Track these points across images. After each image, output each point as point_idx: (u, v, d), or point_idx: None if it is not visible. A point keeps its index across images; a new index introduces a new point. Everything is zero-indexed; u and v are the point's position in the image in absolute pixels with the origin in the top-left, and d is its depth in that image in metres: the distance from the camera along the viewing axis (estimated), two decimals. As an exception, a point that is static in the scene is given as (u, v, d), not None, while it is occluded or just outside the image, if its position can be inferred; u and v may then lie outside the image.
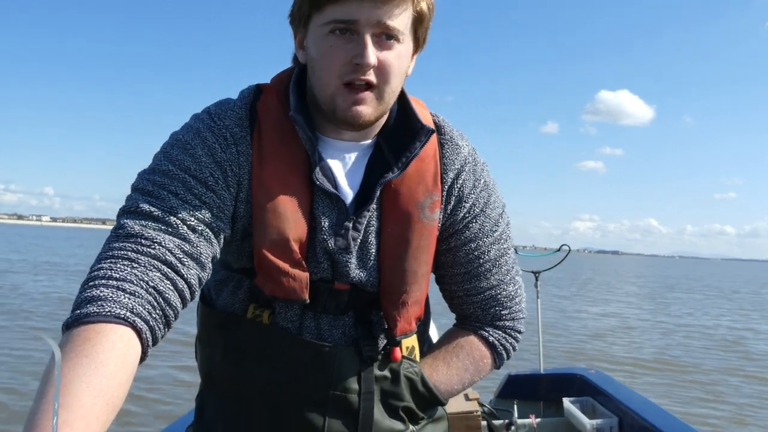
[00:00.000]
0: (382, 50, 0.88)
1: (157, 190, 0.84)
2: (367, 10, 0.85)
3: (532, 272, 3.89)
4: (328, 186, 0.93)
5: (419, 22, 0.92)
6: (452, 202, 1.01)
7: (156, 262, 0.78)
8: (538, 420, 3.14)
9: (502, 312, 1.08)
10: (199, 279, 0.84)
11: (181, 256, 0.81)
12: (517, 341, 1.11)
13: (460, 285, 1.06)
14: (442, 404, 1.08)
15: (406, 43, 0.91)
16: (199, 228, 0.84)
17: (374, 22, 0.86)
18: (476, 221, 1.03)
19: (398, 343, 1.01)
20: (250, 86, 1.00)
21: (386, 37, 0.88)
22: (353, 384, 0.97)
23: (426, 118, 1.00)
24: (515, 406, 3.14)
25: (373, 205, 0.96)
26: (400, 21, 0.88)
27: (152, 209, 0.82)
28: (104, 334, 0.68)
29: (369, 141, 0.98)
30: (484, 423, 2.93)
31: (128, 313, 0.72)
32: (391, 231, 0.97)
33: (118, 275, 0.74)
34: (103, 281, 0.74)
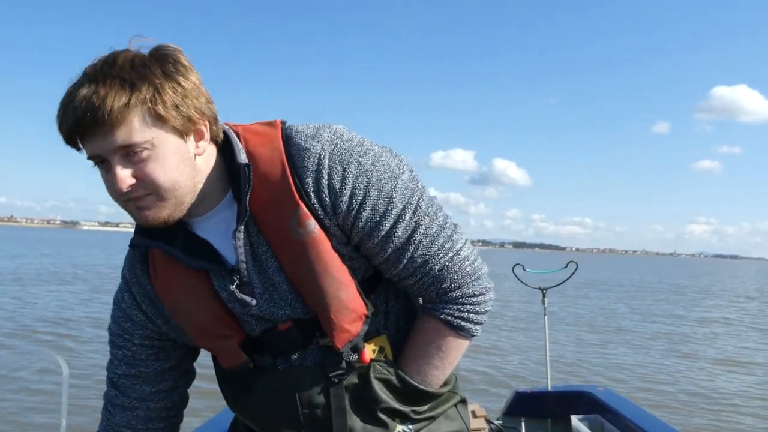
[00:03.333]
0: (136, 164, 0.89)
1: (109, 363, 1.16)
2: (99, 143, 0.88)
3: (540, 289, 3.88)
4: (198, 263, 1.00)
5: (166, 115, 0.89)
6: (329, 202, 0.96)
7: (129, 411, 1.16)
8: (546, 438, 3.12)
9: (443, 286, 1.04)
10: (168, 399, 1.16)
11: (136, 402, 1.15)
12: (477, 305, 1.06)
13: (390, 272, 1.04)
14: (434, 393, 1.08)
15: (161, 144, 0.90)
16: (142, 376, 1.14)
17: (112, 149, 0.88)
18: (364, 208, 0.96)
19: (356, 349, 1.03)
20: None
21: (134, 152, 0.88)
22: (320, 399, 1.04)
23: (259, 144, 0.98)
24: (523, 424, 3.12)
25: (263, 247, 0.99)
26: (136, 134, 0.88)
27: (108, 385, 1.16)
28: None
29: (225, 199, 1.00)
30: (491, 440, 2.91)
31: None
32: (285, 261, 0.99)
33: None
34: None
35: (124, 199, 0.92)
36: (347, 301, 1.01)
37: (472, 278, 1.05)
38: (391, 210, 0.97)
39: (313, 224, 0.96)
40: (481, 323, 1.08)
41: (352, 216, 0.97)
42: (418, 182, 1.01)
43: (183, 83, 0.91)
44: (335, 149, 0.97)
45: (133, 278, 1.09)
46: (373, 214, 0.97)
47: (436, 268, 1.02)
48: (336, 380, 1.03)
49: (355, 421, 1.04)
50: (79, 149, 0.91)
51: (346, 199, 0.96)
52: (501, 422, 3.22)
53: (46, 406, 5.13)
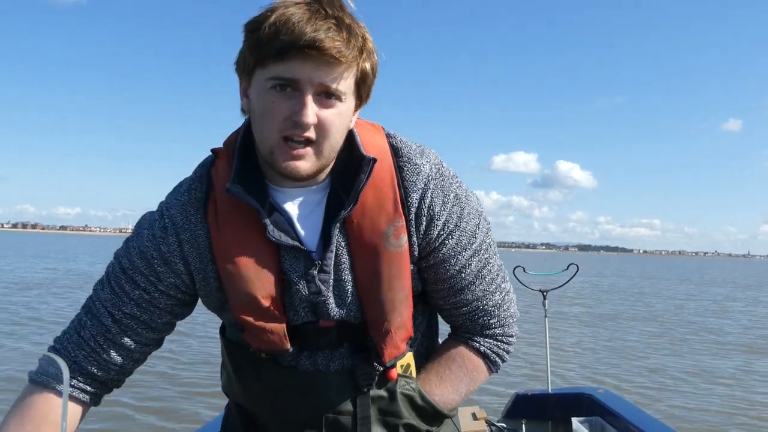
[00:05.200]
0: (323, 108, 0.90)
1: (107, 286, 1.03)
2: (309, 71, 0.87)
3: (540, 291, 3.88)
4: (285, 240, 0.95)
5: (363, 82, 0.94)
6: (424, 223, 1.00)
7: (87, 349, 1.02)
8: (547, 440, 3.12)
9: (491, 321, 1.09)
10: (128, 355, 1.04)
11: (104, 344, 1.02)
12: (510, 345, 1.13)
13: (446, 300, 1.08)
14: (447, 416, 1.10)
15: (347, 102, 0.93)
16: (124, 321, 1.02)
17: (316, 82, 0.88)
18: (452, 237, 1.02)
19: (393, 365, 1.04)
20: (209, 155, 1.05)
21: (327, 95, 0.90)
22: (347, 407, 1.02)
23: (375, 145, 1.00)
24: (523, 426, 3.12)
25: (342, 242, 0.99)
26: (343, 83, 0.90)
27: (98, 306, 1.03)
28: (35, 395, 0.98)
29: (323, 183, 1.00)
30: (492, 443, 2.91)
31: (50, 380, 0.98)
32: (362, 264, 0.99)
33: (56, 354, 1.01)
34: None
35: (290, 133, 0.89)
36: (406, 319, 1.03)
37: (513, 319, 1.13)
38: (472, 244, 1.04)
39: (405, 239, 0.99)
40: (506, 362, 1.15)
41: (439, 242, 1.02)
42: (489, 222, 1.10)
43: (377, 68, 0.96)
44: (439, 174, 1.02)
45: (186, 224, 1.00)
46: (457, 245, 1.03)
47: (490, 303, 1.08)
48: (365, 390, 1.03)
49: (376, 430, 1.03)
50: (265, 58, 0.88)
51: (440, 224, 1.01)
52: (503, 424, 3.22)
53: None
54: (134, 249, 1.02)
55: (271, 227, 0.94)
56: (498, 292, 1.09)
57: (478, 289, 1.06)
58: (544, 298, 3.87)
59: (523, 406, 3.41)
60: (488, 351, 1.10)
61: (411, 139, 1.05)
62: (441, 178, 1.02)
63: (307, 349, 1.03)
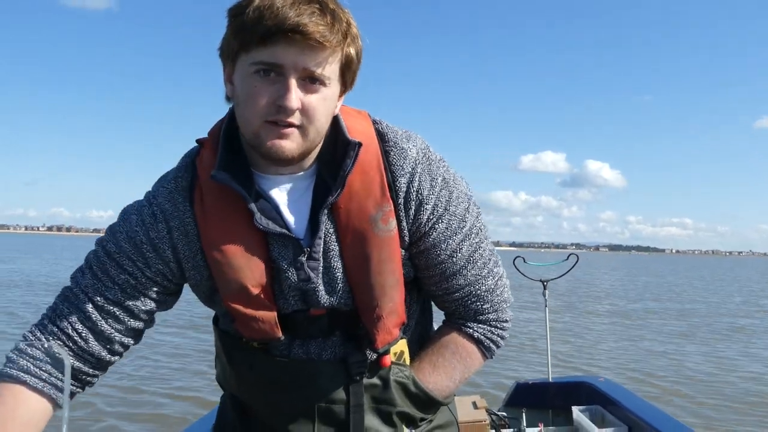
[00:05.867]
0: (307, 93, 0.89)
1: (89, 272, 1.00)
2: (293, 55, 0.87)
3: (540, 281, 3.89)
4: (273, 227, 0.94)
5: (347, 67, 0.94)
6: (413, 208, 1.00)
7: (63, 338, 0.97)
8: (547, 428, 3.14)
9: (484, 306, 1.08)
10: (107, 345, 1.00)
11: (83, 332, 0.98)
12: (504, 330, 1.12)
13: (438, 285, 1.07)
14: (441, 403, 1.10)
15: (332, 87, 0.93)
16: (106, 307, 0.98)
17: (300, 67, 0.87)
18: (441, 221, 1.01)
19: (386, 352, 1.04)
20: (194, 146, 1.03)
21: (311, 80, 0.89)
22: (340, 395, 1.02)
23: (360, 131, 0.99)
24: (524, 415, 3.13)
25: (330, 229, 0.98)
26: (327, 67, 0.90)
27: (78, 293, 0.99)
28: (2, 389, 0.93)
29: (309, 169, 0.99)
30: (492, 431, 2.92)
31: (21, 374, 0.94)
32: (351, 250, 0.98)
33: (29, 346, 0.97)
34: (18, 350, 0.97)
35: (274, 118, 0.89)
36: (398, 304, 1.03)
37: (507, 305, 1.12)
38: (462, 228, 1.03)
39: (394, 223, 0.99)
40: (501, 347, 1.13)
41: (429, 226, 1.01)
42: (479, 207, 1.08)
43: (361, 54, 0.96)
44: (426, 158, 1.01)
45: (175, 212, 0.99)
46: (447, 229, 1.02)
47: (483, 288, 1.07)
48: (357, 378, 1.02)
49: (370, 420, 1.03)
50: (249, 43, 0.87)
51: (429, 208, 1.00)
52: (504, 413, 3.23)
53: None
54: (121, 234, 0.99)
55: (258, 215, 0.93)
56: (490, 277, 1.08)
57: (470, 274, 1.05)
58: (545, 288, 3.88)
59: (523, 395, 3.42)
60: (482, 337, 1.09)
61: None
62: (428, 162, 1.01)
63: (298, 338, 1.03)
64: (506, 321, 1.12)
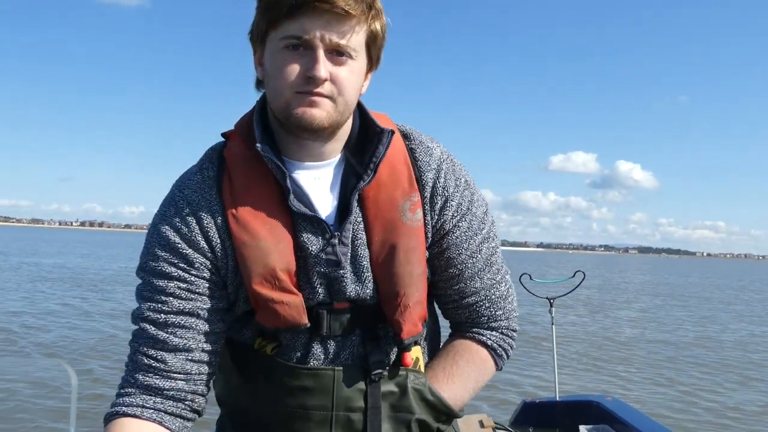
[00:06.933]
0: (335, 65, 0.92)
1: (141, 300, 0.97)
2: (320, 27, 0.90)
3: (547, 299, 3.88)
4: (305, 210, 0.95)
5: (372, 41, 0.97)
6: (439, 203, 1.03)
7: (143, 369, 0.95)
8: (555, 448, 3.11)
9: (497, 313, 1.09)
10: (187, 356, 0.96)
11: (157, 355, 0.95)
12: (513, 340, 1.13)
13: (455, 287, 1.07)
14: (456, 415, 1.09)
15: (359, 60, 0.95)
16: (170, 320, 0.95)
17: (327, 39, 0.90)
18: (465, 219, 1.04)
19: (407, 348, 1.03)
20: (217, 142, 1.05)
21: (338, 53, 0.92)
22: (358, 402, 1.00)
23: (387, 124, 1.03)
24: (531, 434, 3.11)
25: (358, 218, 0.99)
26: (353, 39, 0.93)
27: (140, 324, 0.96)
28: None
29: (337, 157, 1.01)
30: (499, 450, 2.90)
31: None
32: (378, 238, 0.99)
33: (122, 388, 0.96)
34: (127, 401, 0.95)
35: (304, 89, 0.91)
36: (423, 296, 1.03)
37: (515, 314, 1.13)
38: (482, 230, 1.07)
39: (420, 215, 1.01)
40: (509, 358, 1.13)
41: (452, 224, 1.04)
42: (492, 215, 1.12)
43: (386, 31, 0.98)
44: (449, 159, 1.06)
45: (202, 201, 0.98)
46: (468, 229, 1.05)
47: (497, 294, 1.09)
48: (376, 379, 1.01)
49: (388, 428, 1.01)
50: (277, 19, 0.90)
51: (454, 205, 1.04)
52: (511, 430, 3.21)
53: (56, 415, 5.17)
54: (155, 245, 0.98)
55: (292, 195, 0.95)
56: (503, 283, 1.10)
57: (486, 277, 1.07)
58: (551, 306, 3.87)
59: (530, 414, 3.41)
60: (495, 345, 1.09)
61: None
62: (452, 163, 1.06)
63: (319, 336, 1.00)
64: (515, 331, 1.12)
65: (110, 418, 0.94)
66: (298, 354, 1.01)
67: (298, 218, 0.97)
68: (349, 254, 0.98)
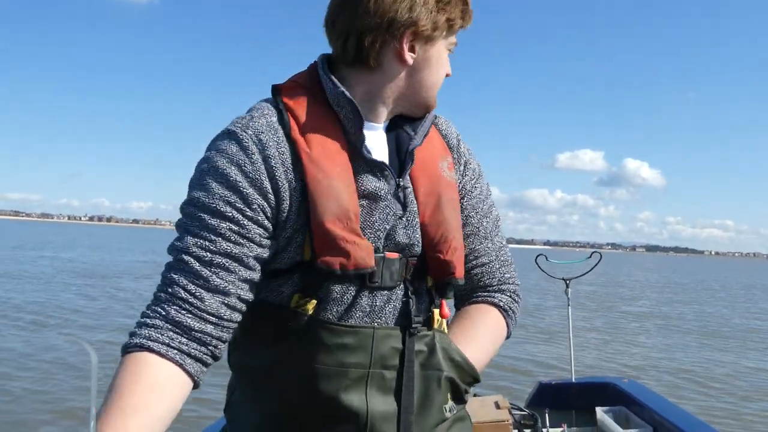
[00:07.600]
0: None
1: (186, 234, 0.95)
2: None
3: (563, 279, 3.85)
4: (375, 157, 1.02)
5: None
6: (462, 164, 1.16)
7: (178, 303, 0.92)
8: (570, 429, 3.11)
9: (506, 275, 1.18)
10: (224, 299, 0.94)
11: (195, 291, 0.92)
12: (519, 304, 1.20)
13: (471, 246, 1.15)
14: (478, 378, 1.11)
15: None
16: (215, 260, 0.93)
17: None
18: (479, 183, 1.18)
19: (448, 296, 1.10)
20: (263, 98, 1.06)
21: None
22: (393, 360, 1.02)
23: None
24: (546, 415, 3.10)
25: (406, 174, 1.07)
26: None
27: (182, 257, 0.94)
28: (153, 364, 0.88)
29: (387, 121, 1.10)
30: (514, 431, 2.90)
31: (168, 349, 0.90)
32: (425, 189, 1.07)
33: (147, 317, 0.93)
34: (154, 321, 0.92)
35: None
36: (462, 245, 1.11)
37: (518, 281, 1.23)
38: (490, 195, 1.21)
39: (455, 174, 1.14)
40: (516, 323, 1.19)
41: (470, 185, 1.16)
42: None
43: None
44: (460, 136, 1.20)
45: (270, 141, 0.96)
46: (481, 192, 1.18)
47: (505, 256, 1.19)
48: (416, 333, 1.03)
49: (418, 382, 1.03)
50: (454, 26, 1.06)
51: (472, 168, 1.18)
52: (526, 412, 3.20)
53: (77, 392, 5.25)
54: (211, 181, 0.94)
55: (367, 144, 1.01)
56: (507, 248, 1.21)
57: (497, 239, 1.18)
58: (567, 287, 3.83)
59: (546, 395, 3.39)
60: (507, 307, 1.17)
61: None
62: (462, 140, 1.19)
63: (367, 288, 1.00)
64: (519, 295, 1.21)
65: (131, 349, 0.89)
66: (342, 309, 1.00)
67: (363, 166, 1.01)
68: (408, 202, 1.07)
